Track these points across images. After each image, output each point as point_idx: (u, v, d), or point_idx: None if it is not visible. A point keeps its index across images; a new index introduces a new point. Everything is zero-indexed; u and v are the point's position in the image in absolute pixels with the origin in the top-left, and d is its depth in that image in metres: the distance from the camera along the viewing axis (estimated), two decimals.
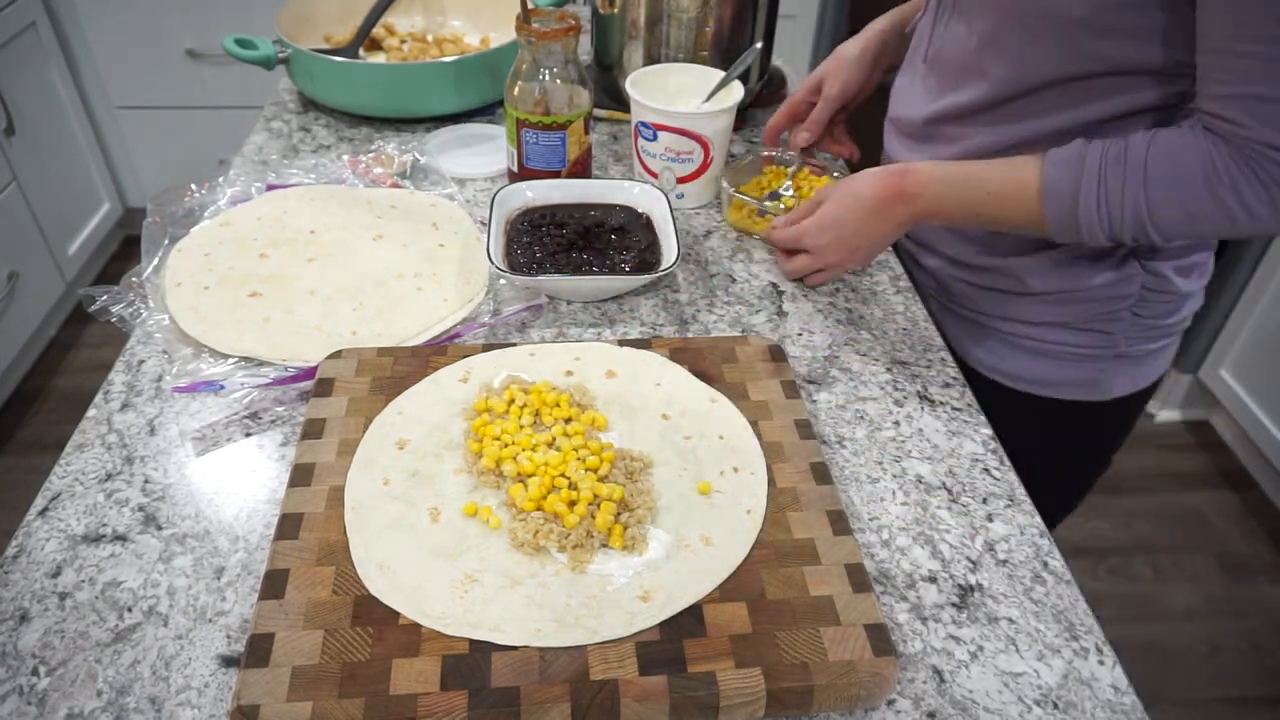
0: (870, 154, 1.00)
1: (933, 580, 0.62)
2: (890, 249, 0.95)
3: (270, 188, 1.00)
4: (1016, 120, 0.79)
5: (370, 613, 0.55)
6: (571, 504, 0.61)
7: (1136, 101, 0.73)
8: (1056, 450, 0.92)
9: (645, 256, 0.87)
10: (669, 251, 0.86)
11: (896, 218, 0.79)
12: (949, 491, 0.69)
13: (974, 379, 0.87)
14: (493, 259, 0.82)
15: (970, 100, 0.81)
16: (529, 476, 0.63)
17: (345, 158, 1.06)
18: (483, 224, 0.96)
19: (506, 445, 0.65)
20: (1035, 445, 0.79)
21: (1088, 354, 0.87)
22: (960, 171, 0.76)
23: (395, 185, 1.02)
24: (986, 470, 0.71)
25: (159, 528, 0.64)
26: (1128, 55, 0.71)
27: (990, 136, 0.81)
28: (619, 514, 0.61)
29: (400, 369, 0.74)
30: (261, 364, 0.77)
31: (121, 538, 0.63)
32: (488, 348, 0.77)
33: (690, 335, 0.83)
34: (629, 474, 0.64)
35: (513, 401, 0.69)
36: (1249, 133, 0.63)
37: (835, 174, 1.00)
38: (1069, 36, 0.71)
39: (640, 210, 0.93)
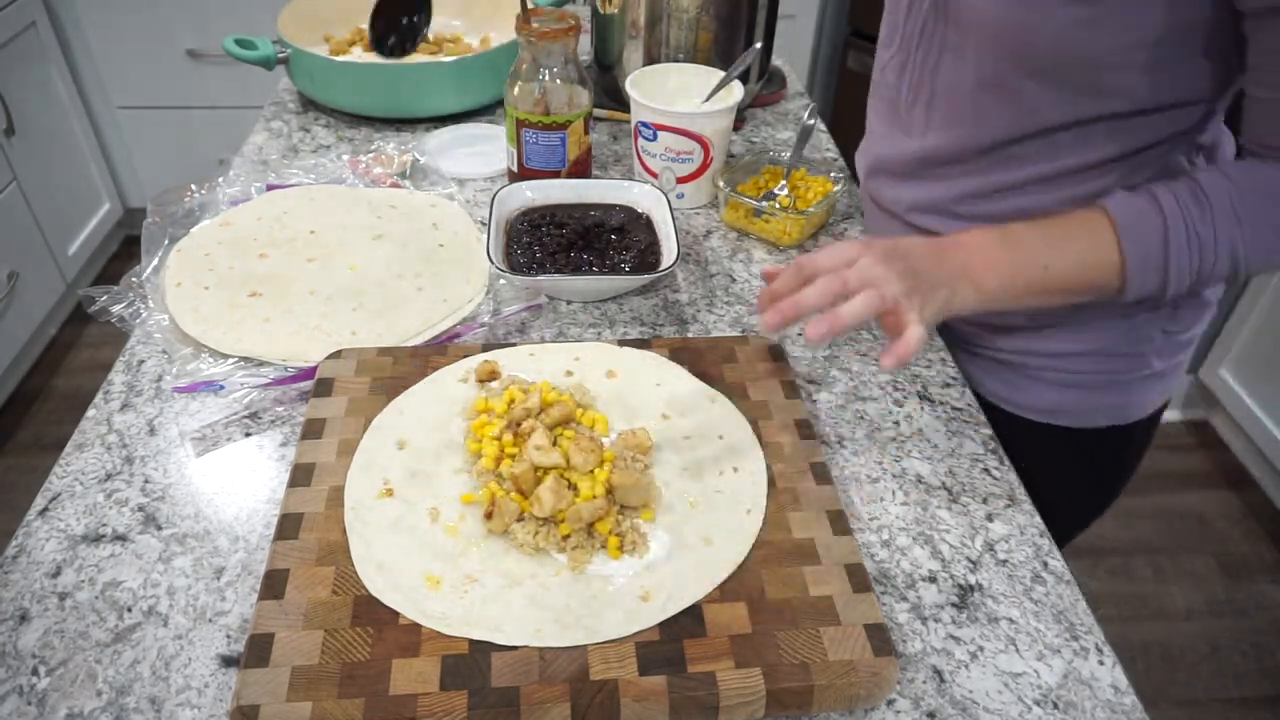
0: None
1: (933, 580, 0.62)
2: None
3: (270, 188, 1.00)
4: (1018, 163, 0.73)
5: (370, 613, 0.55)
6: (571, 505, 0.61)
7: (1140, 140, 0.69)
8: (1082, 475, 0.86)
9: (645, 256, 0.87)
10: (669, 251, 0.86)
11: (946, 262, 0.64)
12: (949, 491, 0.69)
13: (991, 413, 0.79)
14: (493, 259, 0.82)
15: (970, 143, 0.74)
16: None
17: (345, 158, 1.06)
18: (483, 224, 0.96)
19: (506, 445, 0.65)
20: (1059, 474, 0.73)
21: (1120, 379, 0.82)
22: (1015, 224, 0.67)
23: (395, 185, 1.02)
24: (986, 470, 0.71)
25: (159, 528, 0.64)
26: (1141, 94, 0.66)
27: (987, 177, 0.75)
28: (619, 509, 0.61)
29: (400, 369, 0.74)
30: (261, 364, 0.77)
31: (121, 538, 0.63)
32: (488, 348, 0.77)
33: (690, 335, 0.83)
34: (628, 473, 0.64)
35: (513, 401, 0.69)
36: None
37: (832, 174, 1.00)
38: (1083, 78, 0.66)
39: (640, 210, 0.93)
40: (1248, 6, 0.59)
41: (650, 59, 1.09)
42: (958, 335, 0.86)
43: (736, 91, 0.98)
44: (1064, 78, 0.66)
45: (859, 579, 0.58)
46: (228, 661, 0.55)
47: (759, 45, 1.06)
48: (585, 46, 1.17)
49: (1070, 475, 0.78)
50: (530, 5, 0.93)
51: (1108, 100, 0.67)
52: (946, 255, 0.65)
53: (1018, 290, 0.65)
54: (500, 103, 1.07)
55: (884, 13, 0.82)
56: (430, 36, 1.28)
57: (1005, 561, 0.64)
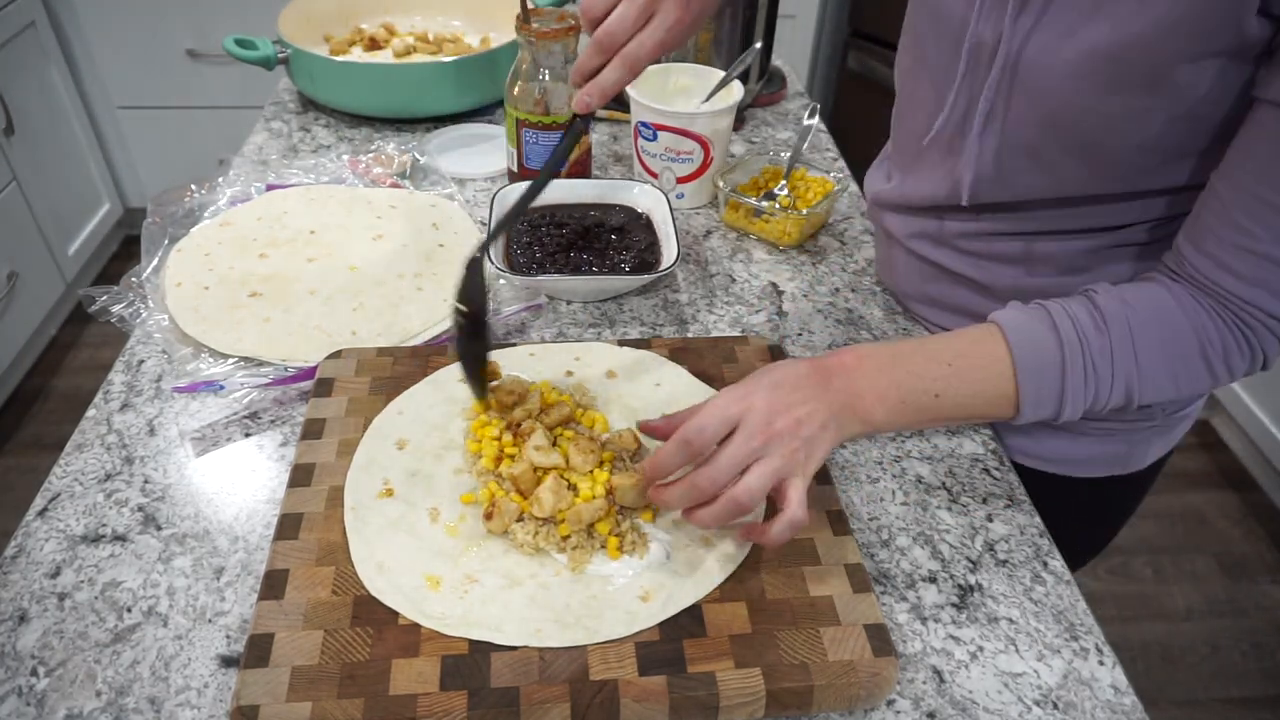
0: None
1: (933, 580, 0.62)
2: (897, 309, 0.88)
3: (270, 188, 1.00)
4: (1031, 220, 0.72)
5: (370, 613, 0.55)
6: (571, 505, 0.61)
7: (1152, 214, 0.68)
8: (1074, 521, 0.82)
9: (645, 256, 0.87)
10: (669, 251, 0.86)
11: (830, 393, 0.59)
12: (949, 491, 0.69)
13: None
14: (493, 259, 0.82)
15: (985, 197, 0.73)
16: None
17: (345, 158, 1.06)
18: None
19: (506, 445, 0.65)
20: (1054, 522, 0.71)
21: (1120, 429, 0.79)
22: (906, 344, 0.64)
23: (395, 185, 1.02)
24: (986, 470, 0.71)
25: (158, 528, 0.64)
26: (1167, 177, 0.65)
27: (995, 224, 0.74)
28: (619, 510, 0.61)
29: (400, 369, 0.74)
30: (261, 364, 0.77)
31: (121, 538, 0.63)
32: None
33: (690, 335, 0.83)
34: (628, 474, 0.64)
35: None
36: (1251, 296, 0.58)
37: (832, 174, 1.00)
38: (1123, 160, 0.64)
39: (640, 210, 0.93)
40: (1270, 95, 0.55)
41: None
42: None
43: (736, 91, 0.98)
44: (1100, 157, 0.65)
45: (859, 579, 0.58)
46: (227, 661, 0.55)
47: (759, 45, 1.06)
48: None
49: (1066, 523, 0.74)
50: (530, 5, 0.93)
51: (1133, 180, 0.65)
52: (832, 383, 0.60)
53: (906, 419, 0.62)
54: (500, 103, 1.07)
55: (908, 37, 0.77)
56: (430, 37, 1.28)
57: (1005, 561, 0.64)
